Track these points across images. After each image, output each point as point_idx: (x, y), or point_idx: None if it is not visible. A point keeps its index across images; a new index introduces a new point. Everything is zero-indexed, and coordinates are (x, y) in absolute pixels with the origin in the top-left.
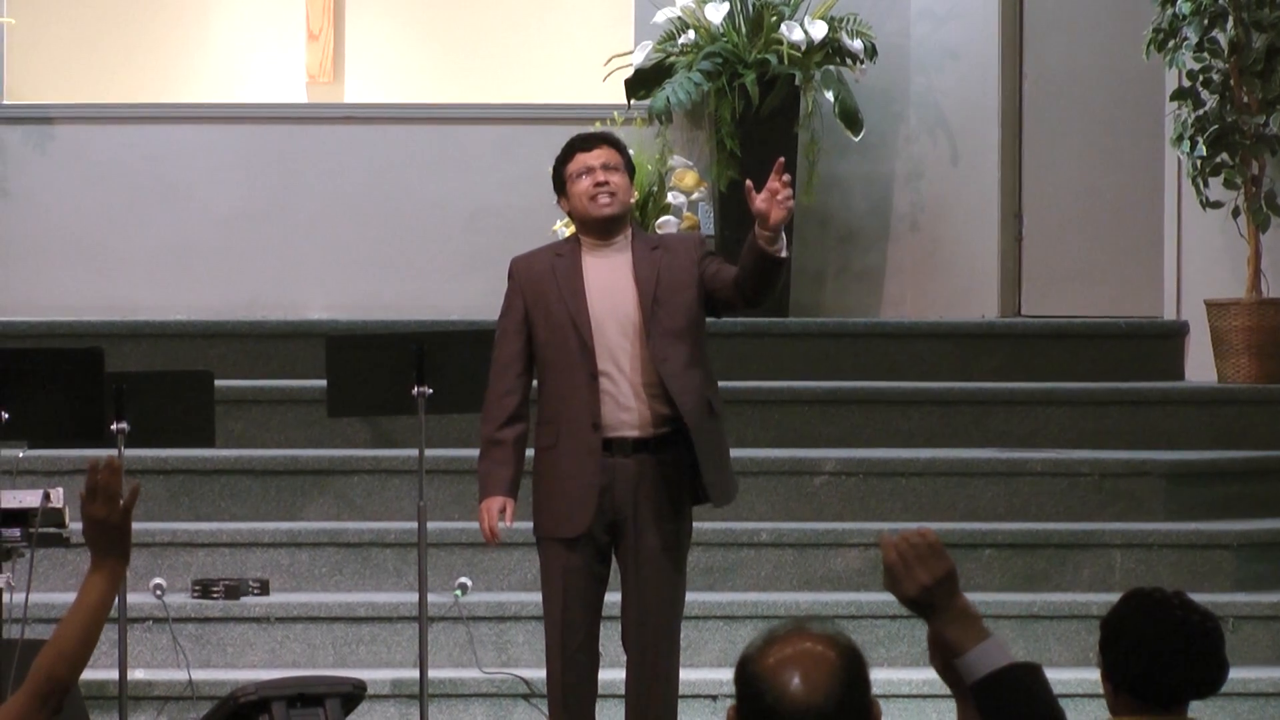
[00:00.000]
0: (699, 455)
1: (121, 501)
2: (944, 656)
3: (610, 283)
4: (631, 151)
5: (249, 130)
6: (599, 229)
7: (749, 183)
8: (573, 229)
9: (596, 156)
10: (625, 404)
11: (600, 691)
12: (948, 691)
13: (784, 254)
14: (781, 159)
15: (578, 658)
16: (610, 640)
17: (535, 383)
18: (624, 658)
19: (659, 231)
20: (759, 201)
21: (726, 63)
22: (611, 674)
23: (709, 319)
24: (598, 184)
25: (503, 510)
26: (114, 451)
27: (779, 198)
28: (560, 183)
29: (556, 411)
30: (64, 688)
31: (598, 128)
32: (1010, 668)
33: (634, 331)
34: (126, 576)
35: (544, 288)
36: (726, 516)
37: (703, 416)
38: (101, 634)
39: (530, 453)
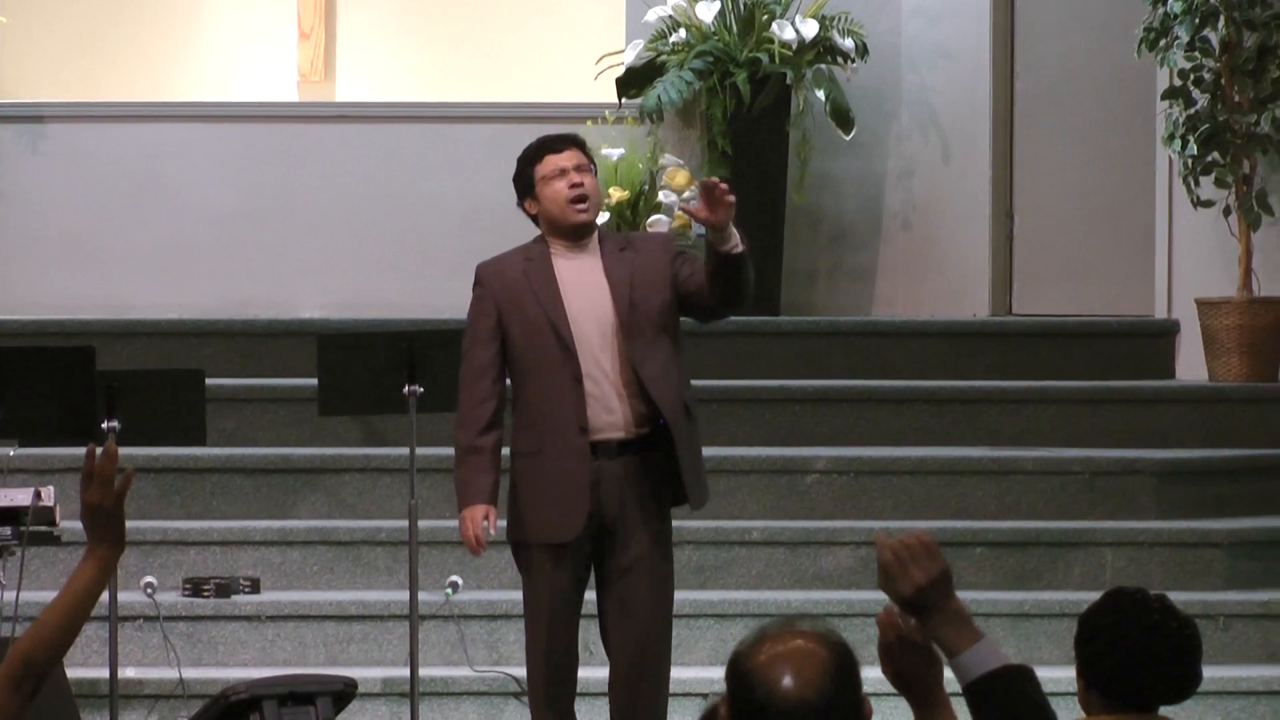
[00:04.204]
0: (680, 458)
1: (115, 487)
2: (895, 667)
3: (585, 284)
4: (623, 150)
5: (241, 129)
6: (572, 232)
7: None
8: None
9: (568, 158)
10: (609, 406)
11: (581, 690)
12: None
13: (739, 248)
14: (713, 179)
15: (560, 659)
16: (595, 639)
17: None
18: (605, 655)
19: (650, 230)
20: (700, 212)
21: (718, 61)
22: (591, 672)
23: (694, 324)
24: (573, 186)
25: (486, 518)
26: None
27: (718, 193)
28: (528, 184)
29: (539, 416)
30: (40, 673)
31: (589, 126)
32: (1004, 670)
33: (612, 333)
34: (117, 574)
35: (517, 293)
36: (718, 515)
37: (682, 418)
38: (92, 631)
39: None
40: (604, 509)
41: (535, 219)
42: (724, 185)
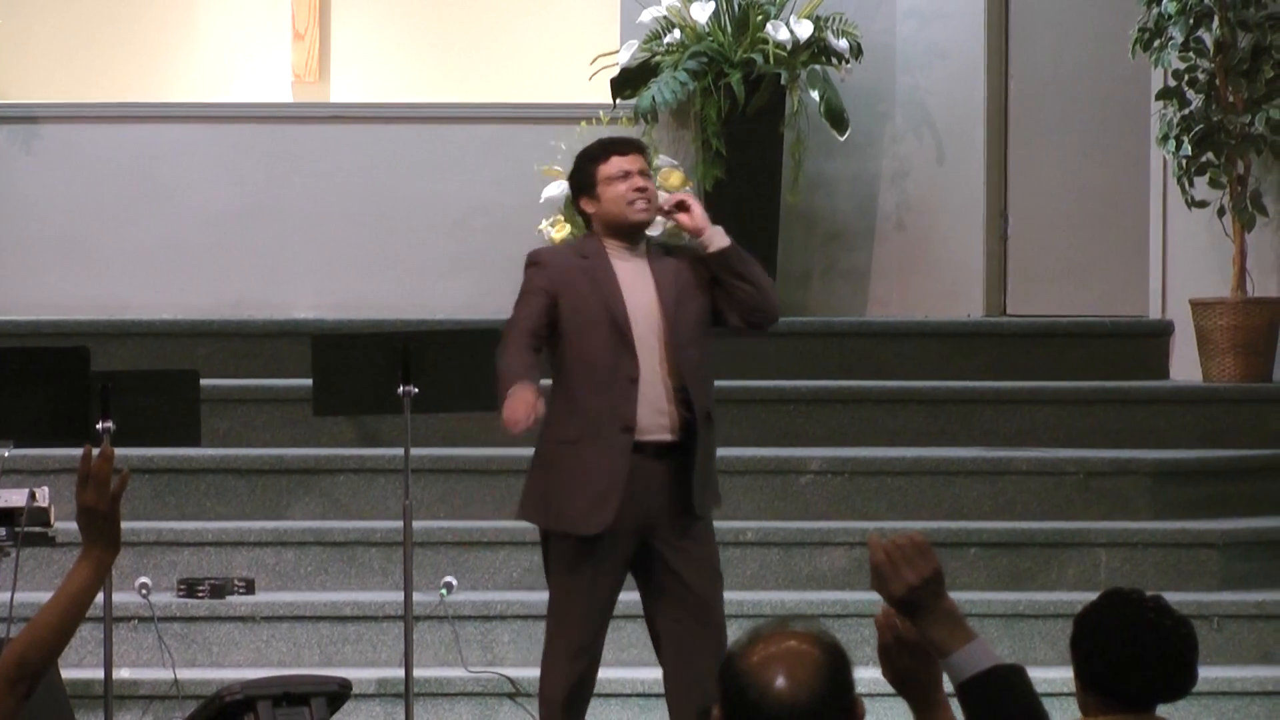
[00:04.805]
0: (698, 464)
1: (111, 489)
2: (894, 668)
3: (637, 286)
4: None
5: (236, 130)
6: (629, 233)
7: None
8: (562, 230)
9: (633, 161)
10: (659, 407)
11: (597, 691)
12: None
13: (721, 244)
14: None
15: (586, 659)
16: (609, 640)
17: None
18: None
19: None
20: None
21: (712, 62)
22: (607, 673)
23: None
24: (638, 190)
25: (534, 405)
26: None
27: (667, 208)
28: (589, 182)
29: (584, 407)
30: (35, 673)
31: (583, 127)
32: (996, 669)
33: (661, 335)
34: (112, 575)
35: (576, 284)
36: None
37: (705, 423)
38: (86, 632)
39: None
40: (651, 509)
41: (588, 219)
42: (672, 201)
